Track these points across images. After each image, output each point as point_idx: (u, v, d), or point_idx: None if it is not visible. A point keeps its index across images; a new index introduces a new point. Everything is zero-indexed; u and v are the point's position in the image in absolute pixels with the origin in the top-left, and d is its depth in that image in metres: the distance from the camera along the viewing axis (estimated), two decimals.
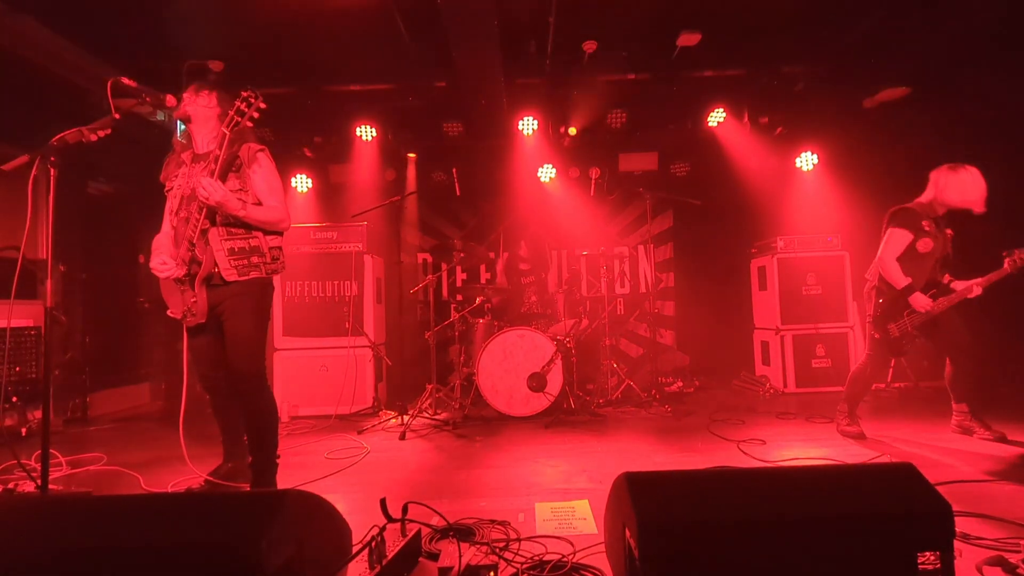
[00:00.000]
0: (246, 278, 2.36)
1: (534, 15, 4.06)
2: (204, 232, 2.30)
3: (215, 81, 3.83)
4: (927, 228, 3.08)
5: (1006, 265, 2.97)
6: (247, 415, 2.42)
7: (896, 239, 3.13)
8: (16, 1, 3.51)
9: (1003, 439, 2.99)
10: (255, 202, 2.38)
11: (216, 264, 2.31)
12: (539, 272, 5.13)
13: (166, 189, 2.49)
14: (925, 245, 3.08)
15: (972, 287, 3.03)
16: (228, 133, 2.26)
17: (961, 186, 3.05)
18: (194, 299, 2.34)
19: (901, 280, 3.08)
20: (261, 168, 2.40)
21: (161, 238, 2.49)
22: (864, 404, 3.65)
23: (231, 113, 2.25)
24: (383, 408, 4.54)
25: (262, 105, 2.28)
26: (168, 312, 2.48)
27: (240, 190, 2.35)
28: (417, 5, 3.83)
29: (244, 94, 2.24)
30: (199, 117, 2.44)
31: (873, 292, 3.23)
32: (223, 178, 2.29)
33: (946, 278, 3.17)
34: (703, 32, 4.25)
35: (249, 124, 2.30)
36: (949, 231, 3.19)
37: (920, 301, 3.04)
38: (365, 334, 4.59)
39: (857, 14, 4.07)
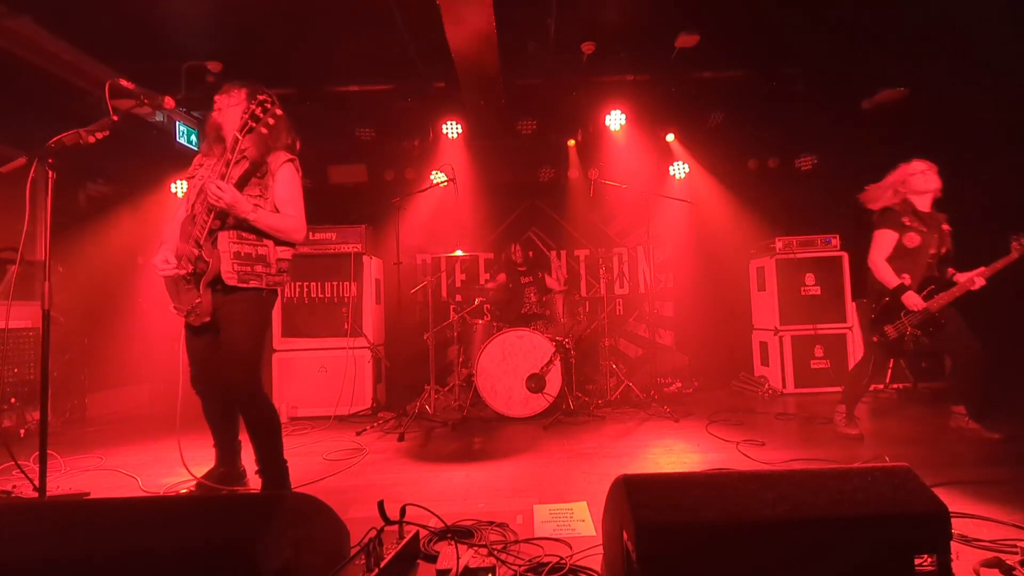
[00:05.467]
0: (245, 285, 2.31)
1: (534, 15, 4.06)
2: (213, 232, 2.26)
3: (215, 83, 3.83)
4: (908, 223, 3.11)
5: (1013, 250, 2.93)
6: (246, 424, 2.39)
7: (882, 240, 3.15)
8: (15, 2, 3.51)
9: (1001, 440, 2.98)
10: (271, 210, 2.35)
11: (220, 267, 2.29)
12: (538, 272, 5.13)
13: (187, 176, 2.50)
14: (912, 240, 3.10)
15: (974, 278, 3.00)
16: (240, 137, 2.23)
17: (919, 175, 3.11)
18: (198, 299, 2.31)
19: (893, 280, 3.08)
20: (285, 178, 2.38)
21: (173, 228, 2.45)
22: (863, 405, 3.65)
23: (244, 117, 2.22)
24: (382, 409, 4.53)
25: (278, 112, 2.24)
26: (171, 307, 2.43)
27: (259, 196, 2.32)
28: (417, 5, 3.83)
29: (260, 98, 2.20)
30: (229, 120, 2.39)
31: (875, 296, 3.21)
32: (245, 182, 2.28)
33: (949, 272, 3.15)
34: (701, 33, 4.25)
35: (264, 130, 2.24)
36: (947, 227, 3.15)
37: (911, 300, 3.02)
38: (364, 335, 4.59)
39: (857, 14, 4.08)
